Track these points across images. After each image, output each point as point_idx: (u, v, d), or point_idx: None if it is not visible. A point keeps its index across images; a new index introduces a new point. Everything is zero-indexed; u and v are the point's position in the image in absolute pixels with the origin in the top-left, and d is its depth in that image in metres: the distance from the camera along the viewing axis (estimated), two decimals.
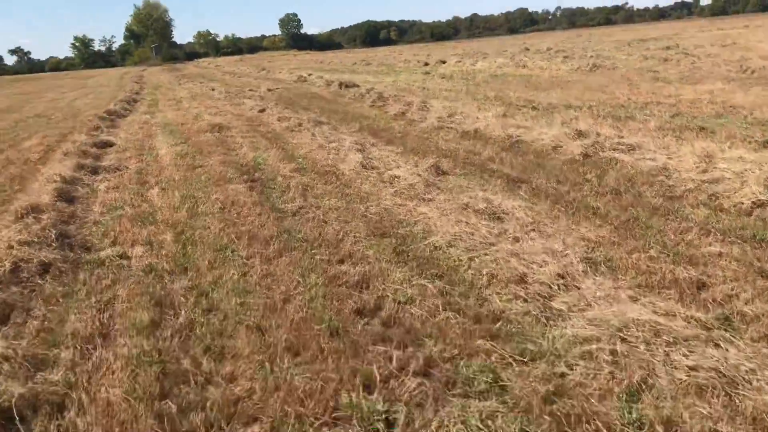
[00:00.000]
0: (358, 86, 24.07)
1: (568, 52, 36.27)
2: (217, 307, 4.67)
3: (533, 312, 4.12)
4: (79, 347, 4.12)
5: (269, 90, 26.34)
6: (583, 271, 4.55)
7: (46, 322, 4.56)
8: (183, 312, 4.59)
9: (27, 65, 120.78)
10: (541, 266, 4.66)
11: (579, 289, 4.33)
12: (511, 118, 12.04)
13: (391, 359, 3.69)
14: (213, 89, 29.05)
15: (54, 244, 6.13)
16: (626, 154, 8.38)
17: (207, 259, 5.68)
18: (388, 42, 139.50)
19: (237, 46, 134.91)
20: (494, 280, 4.66)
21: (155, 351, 4.00)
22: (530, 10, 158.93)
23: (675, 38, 43.91)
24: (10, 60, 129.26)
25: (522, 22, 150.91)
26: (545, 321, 4.00)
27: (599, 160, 8.53)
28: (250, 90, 27.03)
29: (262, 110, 17.65)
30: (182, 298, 4.87)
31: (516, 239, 5.29)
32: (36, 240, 6.07)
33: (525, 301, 4.27)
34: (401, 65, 40.45)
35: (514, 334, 3.91)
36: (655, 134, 9.75)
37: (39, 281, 5.37)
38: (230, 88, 29.72)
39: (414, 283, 4.79)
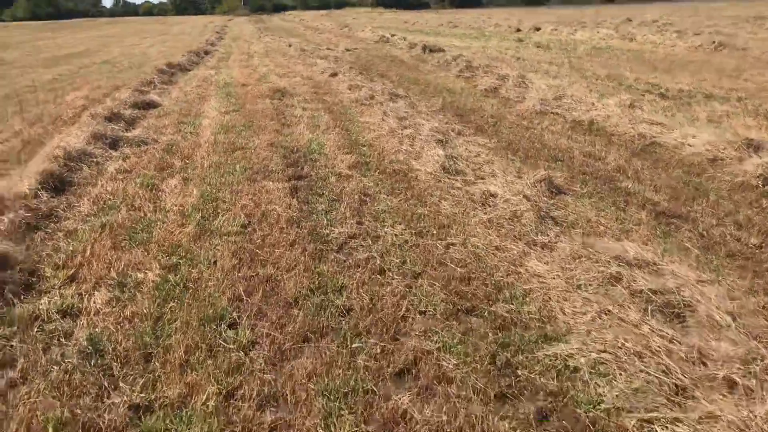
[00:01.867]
0: (443, 51, 21.32)
1: (678, 26, 32.10)
2: None
3: None
4: None
5: (347, 50, 23.90)
6: None
7: None
8: None
9: (122, 8, 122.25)
10: None
11: None
12: (638, 110, 9.22)
13: None
14: (290, 45, 26.83)
15: None
16: None
17: (185, 341, 3.43)
18: (477, 4, 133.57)
19: (325, 1, 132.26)
20: None
21: None
22: None
23: None
24: (109, 2, 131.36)
25: None
26: None
27: None
28: (328, 48, 24.66)
29: (334, 74, 15.28)
30: None
31: (730, 382, 2.77)
32: None
33: None
34: (491, 29, 37.09)
35: None
36: None
37: None
38: (308, 44, 27.44)
39: None
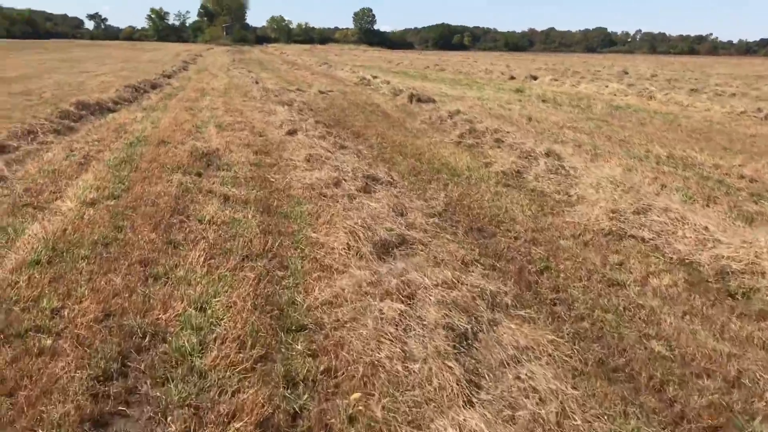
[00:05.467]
0: (434, 102, 17.29)
1: (688, 83, 28.65)
2: None
3: None
4: None
5: (321, 92, 19.68)
6: None
7: None
8: None
9: (103, 32, 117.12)
10: None
11: None
12: None
13: None
14: (257, 82, 22.52)
15: None
16: None
17: None
18: (460, 47, 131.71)
19: (309, 35, 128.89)
20: None
21: None
22: (609, 30, 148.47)
23: None
24: (90, 24, 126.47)
25: (599, 42, 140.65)
26: None
27: None
28: (298, 89, 20.47)
29: (293, 131, 10.97)
30: None
31: None
32: None
33: None
34: (482, 75, 33.31)
35: None
36: None
37: None
38: (278, 82, 23.24)
39: None
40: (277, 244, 5.26)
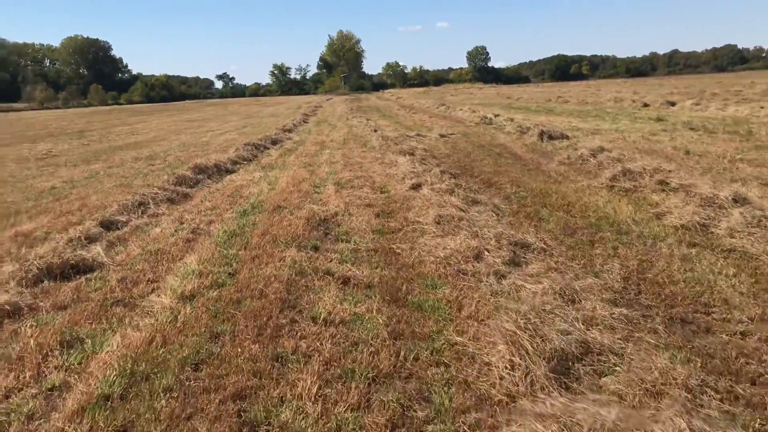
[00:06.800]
0: (567, 138, 15.53)
1: None
2: None
3: None
4: None
5: (442, 136, 18.49)
6: None
7: None
8: None
9: (231, 90, 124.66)
10: None
11: None
12: None
13: None
14: (375, 130, 21.65)
15: None
16: None
17: None
18: (579, 77, 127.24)
19: (423, 78, 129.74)
20: None
21: None
22: (739, 46, 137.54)
23: None
24: (220, 84, 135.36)
25: (729, 60, 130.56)
26: None
27: None
28: (418, 135, 19.36)
29: (417, 186, 9.70)
30: None
31: None
32: None
33: None
34: (611, 105, 30.76)
35: None
36: None
37: None
38: (397, 129, 22.27)
39: None
40: (411, 357, 3.90)
